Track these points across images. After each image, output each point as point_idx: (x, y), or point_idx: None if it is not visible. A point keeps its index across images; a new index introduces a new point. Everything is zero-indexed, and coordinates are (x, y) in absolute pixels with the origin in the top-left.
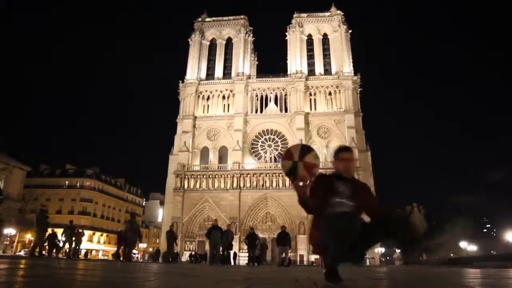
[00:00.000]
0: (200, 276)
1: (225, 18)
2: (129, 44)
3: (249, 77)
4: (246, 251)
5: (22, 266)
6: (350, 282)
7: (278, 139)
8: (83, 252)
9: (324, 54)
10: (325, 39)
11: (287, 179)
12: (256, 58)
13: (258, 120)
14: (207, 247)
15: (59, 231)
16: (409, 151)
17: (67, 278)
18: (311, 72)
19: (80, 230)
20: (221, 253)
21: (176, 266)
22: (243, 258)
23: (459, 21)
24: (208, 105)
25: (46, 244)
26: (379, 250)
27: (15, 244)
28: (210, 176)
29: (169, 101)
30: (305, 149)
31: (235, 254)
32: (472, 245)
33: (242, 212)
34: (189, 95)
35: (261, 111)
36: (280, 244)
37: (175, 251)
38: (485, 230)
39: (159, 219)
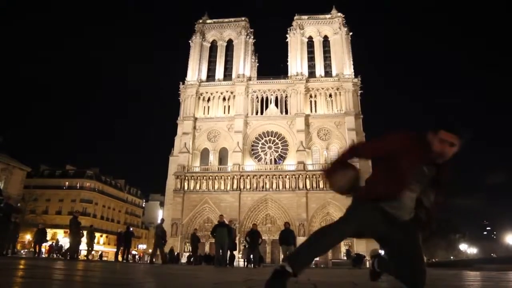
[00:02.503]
0: (200, 278)
1: (226, 20)
2: (130, 45)
3: (249, 78)
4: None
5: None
6: (352, 284)
7: (279, 140)
8: (83, 253)
9: (324, 56)
10: (325, 41)
11: (287, 181)
12: (256, 60)
13: (259, 121)
14: (207, 248)
15: (60, 232)
16: None
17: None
18: (312, 74)
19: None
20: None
21: (177, 267)
22: (242, 260)
23: (459, 21)
24: (208, 107)
25: (33, 240)
26: (379, 252)
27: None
28: (210, 177)
29: (169, 102)
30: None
31: (232, 255)
32: (472, 247)
33: (242, 214)
34: (190, 97)
35: (262, 113)
36: (283, 243)
37: (176, 253)
38: (485, 233)
39: (159, 220)
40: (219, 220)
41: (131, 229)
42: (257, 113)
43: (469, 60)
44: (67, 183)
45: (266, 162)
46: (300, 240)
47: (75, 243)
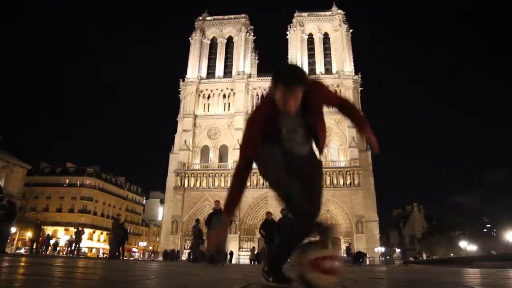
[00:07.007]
0: (200, 275)
1: (226, 17)
2: (130, 44)
3: (249, 76)
4: (246, 249)
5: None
6: (352, 281)
7: None
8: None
9: (325, 54)
10: (326, 38)
11: None
12: (256, 57)
13: None
14: (206, 245)
15: (60, 229)
16: (410, 150)
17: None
18: (312, 71)
19: (80, 229)
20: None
21: (177, 264)
22: (242, 257)
23: (459, 21)
24: (208, 104)
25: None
26: (379, 249)
27: (15, 242)
28: (211, 174)
29: (169, 99)
30: None
31: (231, 253)
32: (471, 245)
33: (242, 211)
34: (190, 94)
35: None
36: None
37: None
38: (485, 230)
39: (159, 218)
40: (214, 208)
41: (125, 225)
42: None
43: (470, 60)
44: (67, 180)
45: None
46: None
47: (116, 243)
